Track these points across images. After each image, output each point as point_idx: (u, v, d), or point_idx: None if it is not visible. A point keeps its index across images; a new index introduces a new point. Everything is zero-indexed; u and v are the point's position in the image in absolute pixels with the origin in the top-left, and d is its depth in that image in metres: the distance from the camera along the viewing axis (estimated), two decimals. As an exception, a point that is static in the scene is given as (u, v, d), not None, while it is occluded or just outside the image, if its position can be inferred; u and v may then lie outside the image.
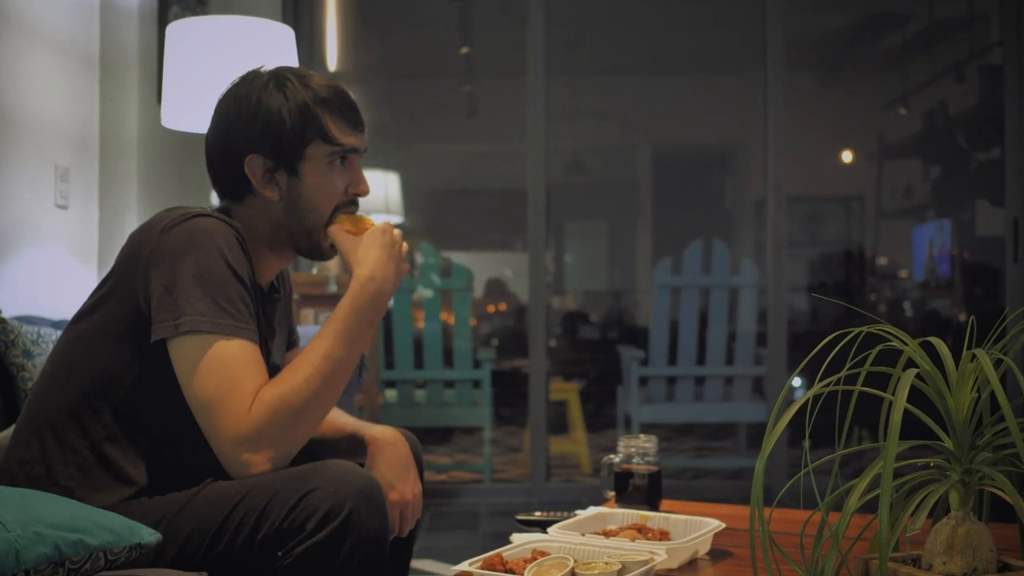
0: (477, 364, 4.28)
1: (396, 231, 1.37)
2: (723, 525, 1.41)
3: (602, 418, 5.48)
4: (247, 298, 1.25)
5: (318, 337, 1.27)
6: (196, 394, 1.20)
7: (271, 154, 1.33)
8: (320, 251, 1.39)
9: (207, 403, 1.19)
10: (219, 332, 1.20)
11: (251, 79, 1.36)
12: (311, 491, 1.14)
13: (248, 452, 1.18)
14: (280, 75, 1.35)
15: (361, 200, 1.43)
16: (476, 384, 4.28)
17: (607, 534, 1.39)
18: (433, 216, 7.34)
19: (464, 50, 5.95)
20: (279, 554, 1.15)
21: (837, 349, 0.97)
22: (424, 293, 4.26)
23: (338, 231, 1.36)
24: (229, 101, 1.36)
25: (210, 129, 1.38)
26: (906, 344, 0.98)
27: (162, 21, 2.86)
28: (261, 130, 1.32)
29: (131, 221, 2.72)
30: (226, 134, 1.35)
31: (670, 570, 1.31)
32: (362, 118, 1.39)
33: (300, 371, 1.23)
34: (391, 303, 4.20)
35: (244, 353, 1.21)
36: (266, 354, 1.38)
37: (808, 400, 0.97)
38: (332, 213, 1.37)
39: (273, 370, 1.42)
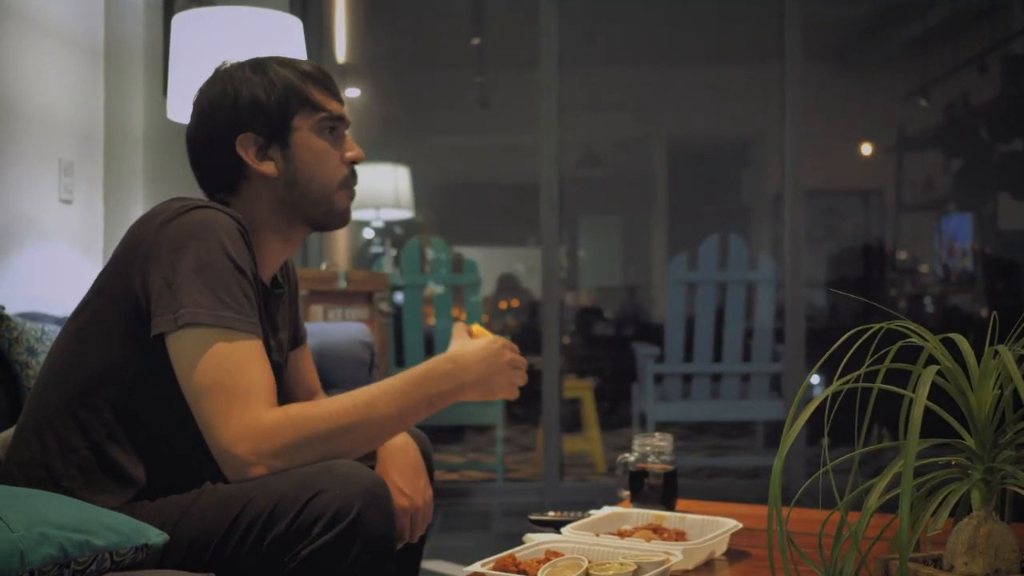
0: (489, 361, 4.23)
1: (514, 356, 1.36)
2: (740, 525, 1.40)
3: (616, 416, 5.46)
4: (249, 291, 1.22)
5: (376, 384, 1.25)
6: (195, 388, 1.17)
7: (261, 130, 1.33)
8: (336, 215, 1.37)
9: (207, 397, 1.16)
10: (220, 325, 1.17)
11: (225, 68, 1.37)
12: (318, 493, 1.12)
13: (251, 456, 1.15)
14: (255, 60, 1.37)
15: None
16: (488, 381, 4.23)
17: (622, 534, 1.37)
18: (444, 210, 7.32)
19: (475, 41, 5.94)
20: (286, 558, 1.12)
21: (856, 346, 0.95)
22: (435, 289, 4.24)
23: (461, 328, 1.37)
24: (209, 92, 1.36)
25: (192, 123, 1.37)
26: (927, 340, 0.96)
27: (168, 12, 2.84)
28: (247, 109, 1.32)
29: (136, 215, 2.69)
30: (211, 121, 1.34)
31: (686, 571, 1.30)
32: (340, 92, 1.41)
33: (337, 402, 1.21)
34: (403, 300, 4.17)
35: (247, 347, 1.18)
36: (267, 351, 1.35)
37: (827, 398, 0.96)
38: (340, 185, 1.36)
39: (275, 368, 1.39)
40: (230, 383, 1.15)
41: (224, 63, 1.38)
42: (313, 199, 1.35)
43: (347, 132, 1.41)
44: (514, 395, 1.35)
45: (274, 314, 1.40)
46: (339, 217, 1.38)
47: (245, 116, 1.32)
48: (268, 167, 1.33)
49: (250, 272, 1.23)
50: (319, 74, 1.38)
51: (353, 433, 1.20)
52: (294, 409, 1.19)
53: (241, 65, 1.36)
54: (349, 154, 1.38)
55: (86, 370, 1.25)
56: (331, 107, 1.36)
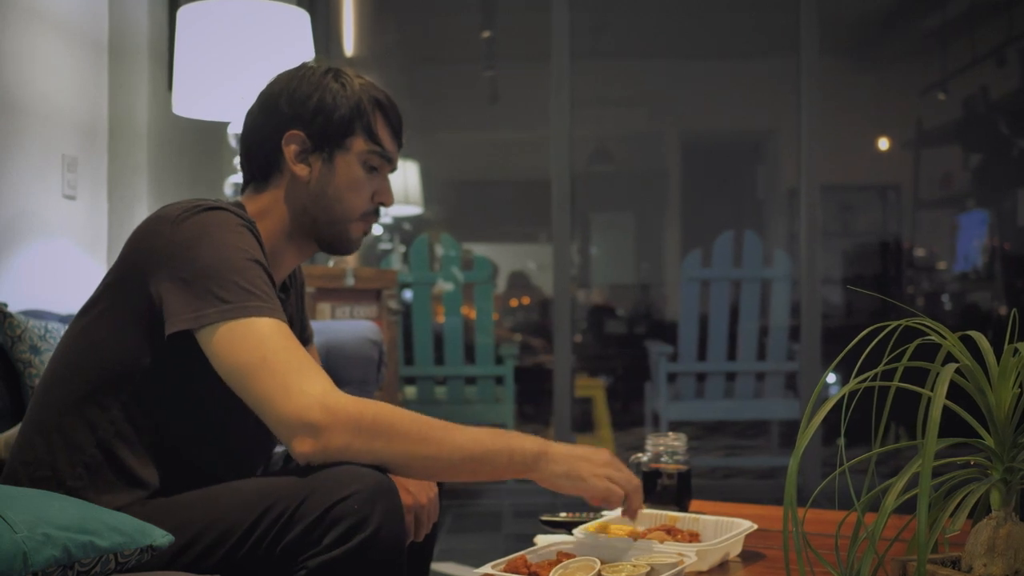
0: (499, 360, 4.23)
1: (616, 463, 1.25)
2: (755, 526, 1.39)
3: (629, 416, 5.43)
4: (267, 280, 1.21)
5: (456, 426, 1.20)
6: (241, 371, 1.14)
7: (313, 134, 1.34)
8: (346, 242, 1.38)
9: (257, 375, 1.13)
10: (248, 315, 1.16)
11: (309, 66, 1.38)
12: (338, 502, 1.09)
13: (326, 420, 1.11)
14: (338, 69, 1.39)
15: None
16: (499, 380, 4.23)
17: (635, 535, 1.35)
18: (454, 207, 7.31)
19: (486, 34, 5.92)
20: (297, 564, 1.10)
21: (873, 344, 0.94)
22: (445, 287, 4.22)
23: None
24: (282, 80, 1.37)
25: (255, 105, 1.38)
26: (945, 338, 0.95)
27: (173, 4, 2.83)
28: (312, 109, 1.34)
29: (141, 212, 2.68)
30: (273, 107, 1.36)
31: (700, 573, 1.29)
32: (403, 135, 1.43)
33: (416, 416, 1.18)
34: (412, 297, 4.15)
35: (282, 328, 1.17)
36: None
37: (843, 396, 0.94)
38: (361, 216, 1.37)
39: None
40: (278, 358, 1.14)
41: (313, 60, 1.41)
42: (331, 219, 1.36)
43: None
44: (611, 501, 1.23)
45: None
46: (348, 244, 1.39)
47: (305, 115, 1.34)
48: (301, 170, 1.35)
49: (265, 264, 1.23)
50: (392, 110, 1.39)
51: (425, 442, 1.15)
52: (373, 402, 1.17)
53: (327, 70, 1.38)
54: (379, 197, 1.39)
55: (95, 368, 1.24)
56: (387, 145, 1.38)
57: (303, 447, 1.12)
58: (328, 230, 1.36)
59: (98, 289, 1.28)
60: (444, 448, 1.16)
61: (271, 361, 1.13)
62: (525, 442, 1.21)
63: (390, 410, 1.16)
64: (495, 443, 1.19)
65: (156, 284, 1.19)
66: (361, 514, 1.09)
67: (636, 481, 1.26)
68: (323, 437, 1.11)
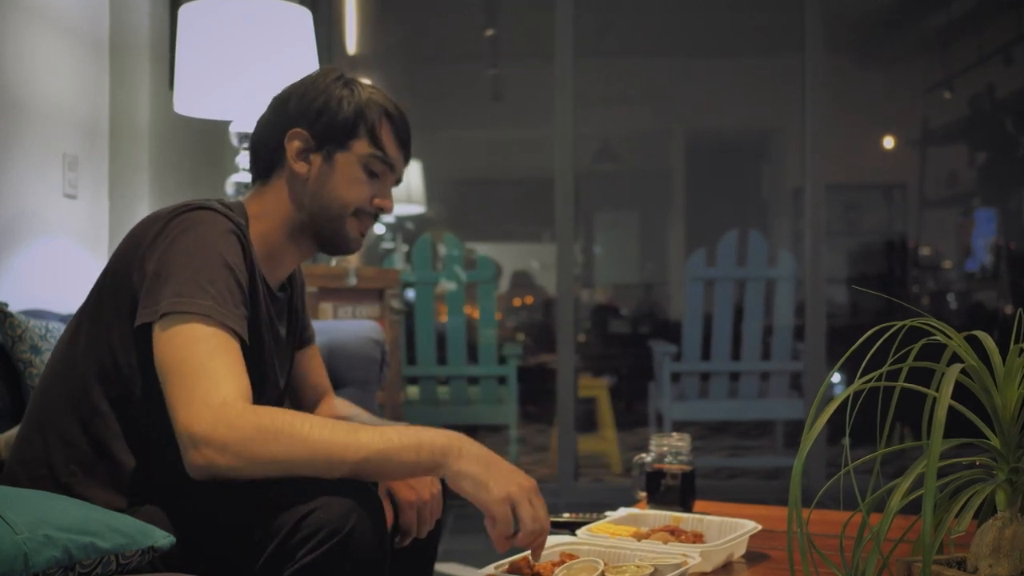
0: (502, 360, 4.23)
1: (536, 496, 1.17)
2: (759, 527, 1.40)
3: (633, 416, 5.42)
4: (235, 288, 1.20)
5: (369, 426, 1.16)
6: (163, 369, 1.14)
7: (316, 134, 1.36)
8: (343, 239, 1.38)
9: (172, 378, 1.12)
10: (196, 312, 1.15)
11: (320, 72, 1.41)
12: (311, 512, 1.09)
13: (207, 437, 1.08)
14: (350, 78, 1.42)
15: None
16: (502, 380, 4.23)
17: (638, 536, 1.36)
18: (457, 206, 7.32)
19: (489, 32, 5.92)
20: (284, 570, 1.11)
21: (878, 344, 0.94)
22: (447, 286, 4.21)
23: None
24: (294, 86, 1.40)
25: (266, 109, 1.41)
26: (950, 338, 0.95)
27: (174, 3, 2.82)
28: (317, 109, 1.36)
29: (142, 211, 2.68)
30: (282, 107, 1.38)
31: (704, 573, 1.30)
32: (410, 149, 1.44)
33: (321, 417, 1.14)
34: (415, 297, 4.14)
35: (220, 337, 1.14)
36: (258, 352, 1.32)
37: (848, 397, 0.94)
38: (354, 213, 1.38)
39: (274, 371, 1.38)
40: (196, 363, 1.12)
41: (324, 68, 1.44)
42: (327, 215, 1.37)
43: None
44: (494, 532, 1.15)
45: (277, 317, 1.40)
46: (347, 243, 1.40)
47: (311, 116, 1.36)
48: (301, 167, 1.36)
49: (240, 272, 1.22)
50: (399, 120, 1.40)
51: (323, 445, 1.10)
52: (271, 407, 1.14)
53: (338, 76, 1.40)
54: (379, 200, 1.39)
55: (86, 366, 1.25)
56: (390, 151, 1.38)
57: (192, 460, 1.09)
58: (326, 227, 1.37)
59: (92, 289, 1.30)
60: (350, 449, 1.10)
61: (189, 364, 1.11)
62: (436, 436, 1.15)
63: (290, 418, 1.10)
64: (402, 439, 1.13)
65: (137, 279, 1.20)
66: (333, 520, 1.08)
67: (541, 523, 1.16)
68: (209, 452, 1.07)
